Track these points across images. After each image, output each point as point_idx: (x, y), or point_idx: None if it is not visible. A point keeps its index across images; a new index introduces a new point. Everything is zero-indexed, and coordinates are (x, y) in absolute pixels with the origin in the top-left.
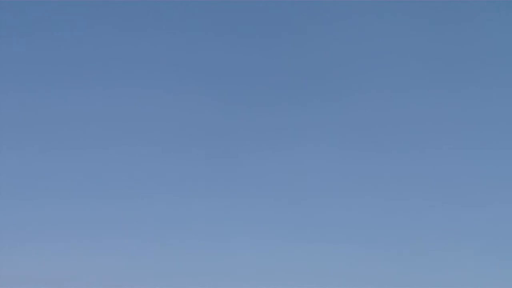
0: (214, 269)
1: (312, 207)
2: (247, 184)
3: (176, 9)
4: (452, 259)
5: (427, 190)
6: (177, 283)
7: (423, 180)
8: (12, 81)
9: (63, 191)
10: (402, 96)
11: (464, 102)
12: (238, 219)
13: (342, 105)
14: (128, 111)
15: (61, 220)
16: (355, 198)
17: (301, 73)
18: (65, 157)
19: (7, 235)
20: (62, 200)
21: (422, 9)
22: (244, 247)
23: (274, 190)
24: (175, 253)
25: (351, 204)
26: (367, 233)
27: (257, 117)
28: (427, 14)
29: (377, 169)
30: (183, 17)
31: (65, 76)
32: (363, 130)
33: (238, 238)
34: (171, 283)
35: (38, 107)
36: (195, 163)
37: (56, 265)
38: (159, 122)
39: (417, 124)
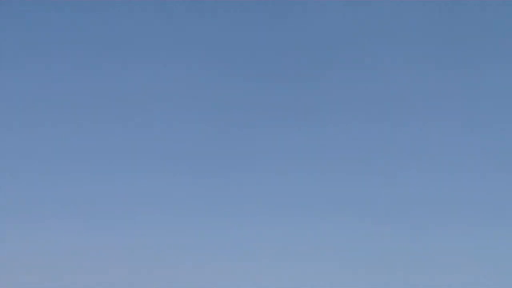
0: (218, 246)
1: (315, 181)
2: (253, 159)
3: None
4: (451, 231)
5: (435, 163)
6: (184, 258)
7: (430, 153)
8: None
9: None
10: (408, 69)
11: (465, 77)
12: (245, 194)
13: (352, 80)
14: (138, 88)
15: (62, 198)
16: (362, 174)
17: (307, 50)
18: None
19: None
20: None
21: None
22: (252, 222)
23: (283, 164)
24: (181, 229)
25: (357, 178)
26: (373, 207)
27: (269, 92)
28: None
29: (383, 143)
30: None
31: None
32: (371, 104)
33: (246, 213)
34: (177, 257)
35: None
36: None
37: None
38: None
39: (423, 98)
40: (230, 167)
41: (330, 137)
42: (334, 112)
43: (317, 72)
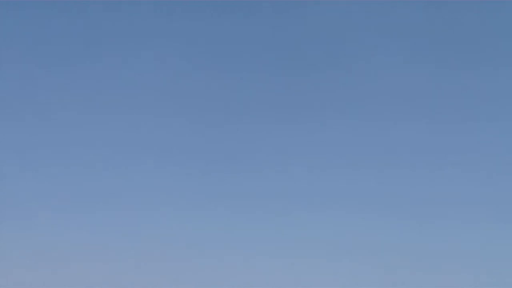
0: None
1: (314, 177)
2: (249, 155)
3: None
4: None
5: (432, 159)
6: (181, 254)
7: (428, 150)
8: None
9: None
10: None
11: (462, 77)
12: (243, 190)
13: (349, 77)
14: (133, 85)
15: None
16: (364, 169)
17: (305, 46)
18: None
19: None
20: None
21: None
22: (249, 217)
23: (280, 159)
24: (178, 225)
25: (356, 173)
26: (372, 203)
27: (267, 88)
28: None
29: (381, 139)
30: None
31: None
32: (368, 99)
33: (244, 208)
34: (176, 254)
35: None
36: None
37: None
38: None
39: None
40: (225, 163)
41: (327, 133)
42: (331, 108)
43: (313, 68)
